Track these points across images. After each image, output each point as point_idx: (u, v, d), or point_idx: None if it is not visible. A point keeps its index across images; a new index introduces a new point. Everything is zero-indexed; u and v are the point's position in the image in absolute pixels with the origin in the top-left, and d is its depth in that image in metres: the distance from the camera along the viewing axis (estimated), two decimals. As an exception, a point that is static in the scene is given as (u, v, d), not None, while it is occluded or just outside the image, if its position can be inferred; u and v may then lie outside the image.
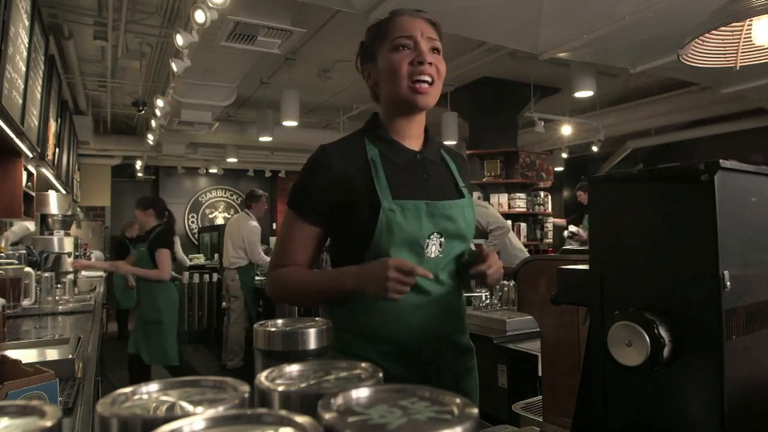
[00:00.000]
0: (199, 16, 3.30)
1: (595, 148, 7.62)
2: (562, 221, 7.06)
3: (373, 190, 1.15)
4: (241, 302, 5.25)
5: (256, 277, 5.56)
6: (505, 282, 2.72)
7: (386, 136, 1.23)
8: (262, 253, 5.29)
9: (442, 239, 1.18)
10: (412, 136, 1.25)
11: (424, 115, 1.26)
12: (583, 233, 5.72)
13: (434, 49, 1.18)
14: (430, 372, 1.21)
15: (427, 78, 1.16)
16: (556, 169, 8.09)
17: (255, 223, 5.26)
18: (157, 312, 3.93)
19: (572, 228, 5.98)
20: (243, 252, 5.21)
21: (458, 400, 0.35)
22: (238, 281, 5.22)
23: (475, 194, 4.08)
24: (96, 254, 6.36)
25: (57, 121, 4.74)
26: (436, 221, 1.17)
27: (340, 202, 1.18)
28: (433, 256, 1.18)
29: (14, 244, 4.58)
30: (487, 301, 2.66)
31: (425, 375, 1.20)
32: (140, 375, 3.96)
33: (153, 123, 6.40)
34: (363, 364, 0.46)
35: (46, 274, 3.51)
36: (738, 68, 2.01)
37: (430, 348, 1.20)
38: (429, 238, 1.16)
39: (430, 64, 1.15)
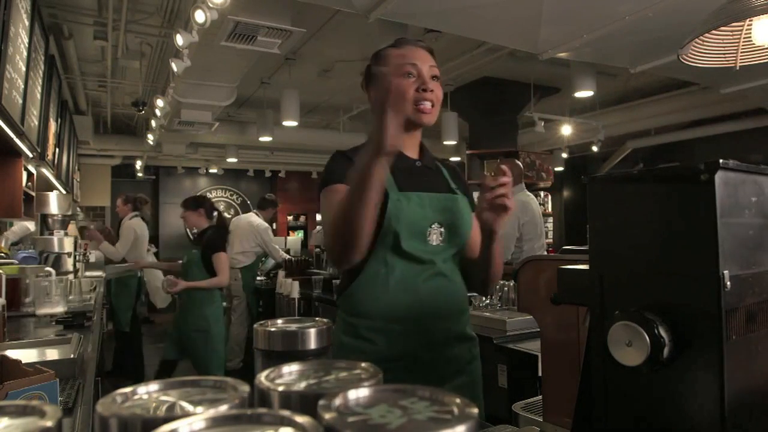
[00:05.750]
0: (199, 16, 3.30)
1: (595, 148, 7.62)
2: None
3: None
4: (244, 302, 5.26)
5: (257, 277, 5.57)
6: (505, 282, 2.72)
7: None
8: (280, 250, 5.62)
9: (442, 230, 1.31)
10: (411, 147, 1.41)
11: (420, 130, 1.42)
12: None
13: (434, 77, 1.34)
14: (436, 356, 1.29)
15: (429, 103, 1.32)
16: (556, 169, 8.09)
17: (267, 225, 5.45)
18: (205, 321, 3.65)
19: None
20: (252, 252, 5.29)
21: (458, 400, 0.35)
22: (240, 281, 5.24)
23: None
24: (96, 254, 6.34)
25: (57, 121, 4.74)
26: (436, 212, 1.31)
27: None
28: (434, 243, 1.31)
29: (14, 244, 4.58)
30: (487, 301, 2.66)
31: (433, 357, 1.28)
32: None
33: (153, 123, 6.39)
34: (363, 364, 0.46)
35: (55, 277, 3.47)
36: (738, 68, 2.01)
37: (436, 329, 1.30)
38: (431, 227, 1.30)
39: (432, 90, 1.32)
